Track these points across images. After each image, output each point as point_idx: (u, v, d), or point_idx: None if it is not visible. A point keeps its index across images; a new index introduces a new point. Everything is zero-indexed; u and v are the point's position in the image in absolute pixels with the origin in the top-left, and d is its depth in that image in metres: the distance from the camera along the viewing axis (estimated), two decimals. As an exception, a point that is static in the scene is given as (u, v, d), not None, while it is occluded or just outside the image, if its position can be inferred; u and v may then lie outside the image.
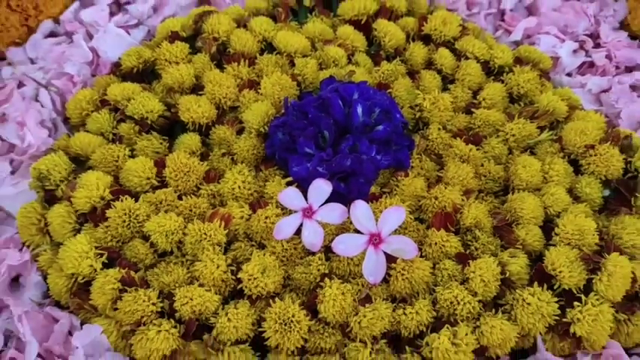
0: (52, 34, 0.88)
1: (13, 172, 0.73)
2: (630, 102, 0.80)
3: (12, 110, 0.76)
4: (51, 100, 0.79)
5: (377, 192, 0.65)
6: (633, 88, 0.83)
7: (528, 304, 0.56)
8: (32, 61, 0.85)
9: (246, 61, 0.75)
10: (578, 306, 0.57)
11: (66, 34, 0.87)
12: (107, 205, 0.62)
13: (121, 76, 0.78)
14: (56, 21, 0.88)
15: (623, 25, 0.92)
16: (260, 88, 0.72)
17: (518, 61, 0.79)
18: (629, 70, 0.87)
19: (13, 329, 0.59)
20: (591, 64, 0.87)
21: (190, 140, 0.69)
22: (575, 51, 0.88)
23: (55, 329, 0.57)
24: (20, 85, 0.81)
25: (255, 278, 0.57)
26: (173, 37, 0.78)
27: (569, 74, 0.86)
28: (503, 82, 0.77)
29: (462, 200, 0.64)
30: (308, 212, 0.59)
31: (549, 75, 0.83)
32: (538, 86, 0.77)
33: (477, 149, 0.69)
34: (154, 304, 0.57)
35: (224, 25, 0.78)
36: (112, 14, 0.89)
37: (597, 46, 0.89)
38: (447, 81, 0.77)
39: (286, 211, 0.61)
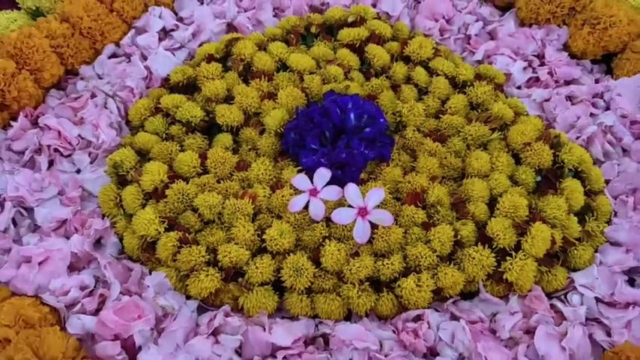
0: (114, 55, 0.93)
1: (91, 162, 0.81)
2: (565, 109, 0.87)
3: (88, 115, 0.83)
4: (117, 107, 0.86)
5: (365, 177, 0.73)
6: (568, 98, 0.89)
7: (473, 258, 0.66)
8: (99, 77, 0.90)
9: (266, 77, 0.81)
10: (510, 260, 0.66)
11: (125, 55, 0.93)
12: (165, 186, 0.71)
13: (170, 89, 0.85)
14: (117, 45, 0.94)
15: (566, 47, 0.97)
16: (277, 99, 0.78)
17: (478, 76, 0.85)
18: (567, 83, 0.92)
19: (100, 275, 0.68)
20: (537, 79, 0.92)
21: (225, 139, 0.77)
22: (524, 68, 0.93)
23: (131, 275, 0.67)
24: (93, 95, 0.87)
25: (275, 239, 0.66)
26: (209, 58, 0.85)
27: (518, 87, 0.92)
28: (465, 93, 0.83)
29: (429, 184, 0.71)
30: (313, 192, 0.68)
31: (503, 88, 0.89)
32: (493, 97, 0.83)
33: (442, 146, 0.77)
34: (202, 256, 0.66)
35: (248, 48, 0.84)
36: (160, 39, 0.94)
37: (542, 64, 0.94)
38: (422, 93, 0.84)
39: (297, 192, 0.69)
